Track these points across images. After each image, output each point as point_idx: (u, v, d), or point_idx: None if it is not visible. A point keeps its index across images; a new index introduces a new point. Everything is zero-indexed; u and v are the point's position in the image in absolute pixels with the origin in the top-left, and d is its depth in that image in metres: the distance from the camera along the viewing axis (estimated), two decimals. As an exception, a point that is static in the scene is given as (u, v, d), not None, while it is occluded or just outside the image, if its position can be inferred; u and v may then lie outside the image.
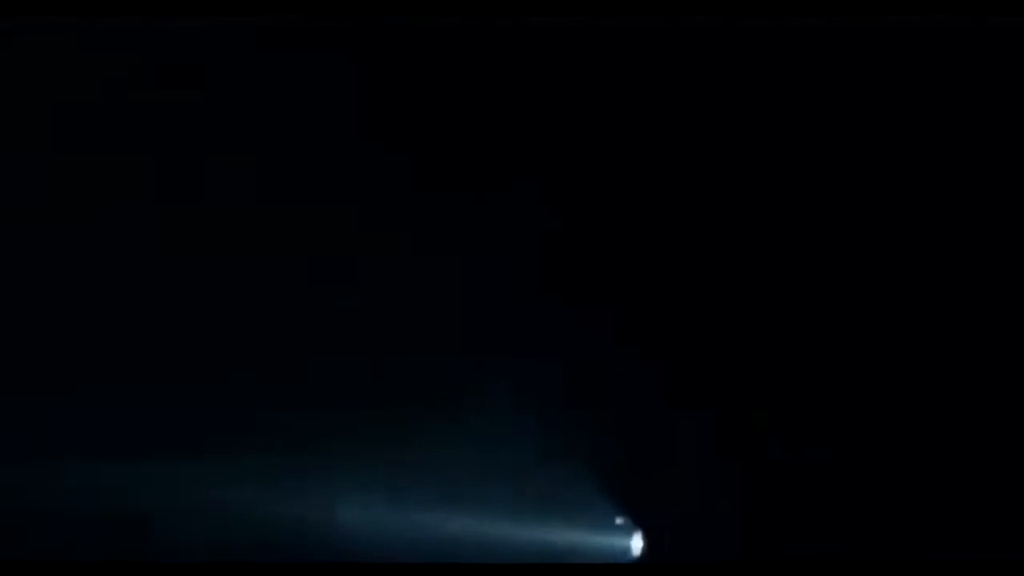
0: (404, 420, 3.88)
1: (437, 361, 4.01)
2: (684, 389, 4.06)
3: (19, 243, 3.75)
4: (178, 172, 3.92)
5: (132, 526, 3.60)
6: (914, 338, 3.92)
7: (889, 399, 3.92)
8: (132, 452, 3.73)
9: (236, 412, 3.80)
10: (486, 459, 3.93)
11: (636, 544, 3.82)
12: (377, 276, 4.00)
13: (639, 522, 3.96)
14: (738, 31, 3.96)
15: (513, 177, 4.09)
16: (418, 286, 4.02)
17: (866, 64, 3.98)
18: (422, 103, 4.06)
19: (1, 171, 3.74)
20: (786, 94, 4.05)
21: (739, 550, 3.85)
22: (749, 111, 4.06)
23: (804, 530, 3.85)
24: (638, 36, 4.04)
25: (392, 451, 3.83)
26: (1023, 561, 3.46)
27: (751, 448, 3.97)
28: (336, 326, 3.96)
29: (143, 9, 3.68)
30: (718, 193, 4.11)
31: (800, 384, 4.01)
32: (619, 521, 3.84)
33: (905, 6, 3.73)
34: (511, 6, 3.83)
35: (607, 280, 4.16)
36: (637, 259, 4.17)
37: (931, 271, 3.94)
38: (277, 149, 3.99)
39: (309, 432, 3.85)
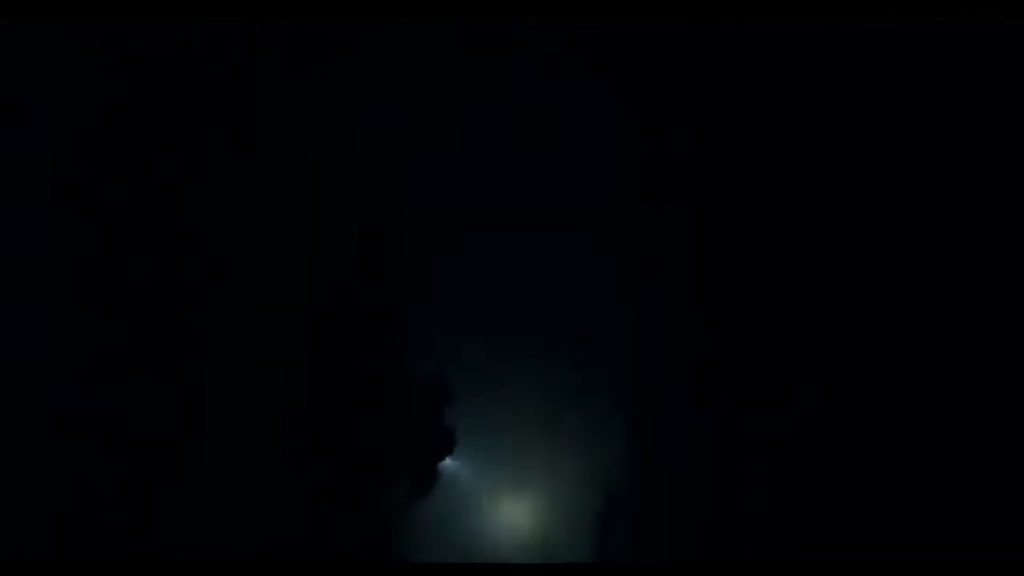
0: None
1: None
2: (683, 389, 4.08)
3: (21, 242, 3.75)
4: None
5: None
6: (912, 338, 3.94)
7: (888, 399, 3.94)
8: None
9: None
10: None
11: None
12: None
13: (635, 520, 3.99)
14: (738, 35, 4.00)
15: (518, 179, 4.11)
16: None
17: (866, 67, 4.01)
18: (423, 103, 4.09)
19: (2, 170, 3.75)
20: (785, 97, 4.08)
21: (736, 550, 3.86)
22: (750, 114, 4.09)
23: (802, 530, 3.87)
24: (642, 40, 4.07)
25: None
26: (1023, 561, 3.48)
27: (749, 447, 3.99)
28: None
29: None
30: (718, 194, 4.14)
31: (799, 383, 4.03)
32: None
33: (905, 8, 3.78)
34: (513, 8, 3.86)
35: (607, 278, 4.18)
36: (636, 259, 4.19)
37: (930, 272, 3.97)
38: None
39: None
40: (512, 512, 3.94)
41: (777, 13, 3.81)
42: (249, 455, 3.79)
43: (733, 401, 4.01)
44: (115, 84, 3.90)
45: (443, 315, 4.02)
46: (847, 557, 3.72)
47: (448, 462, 3.77)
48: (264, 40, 3.93)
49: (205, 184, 3.96)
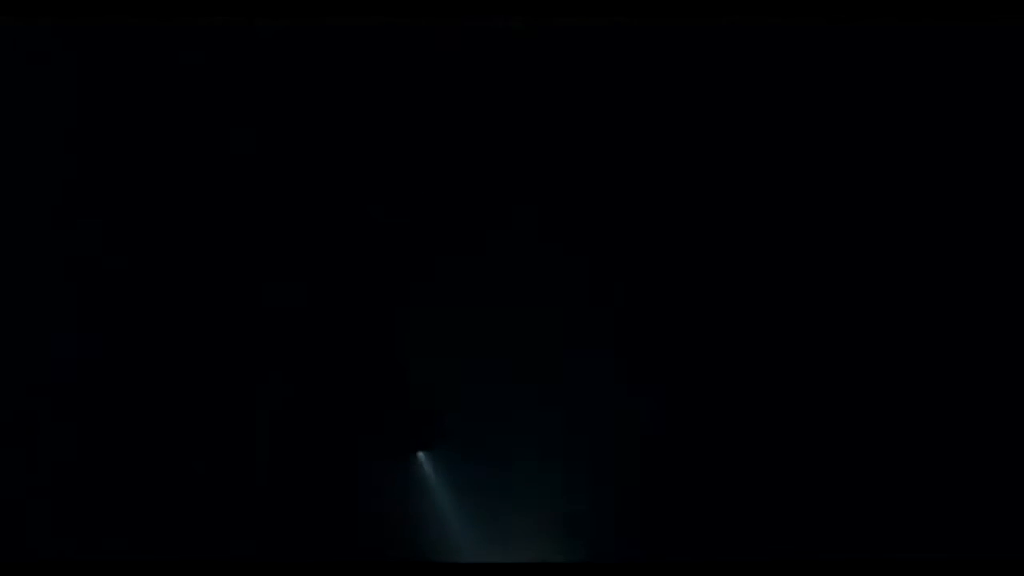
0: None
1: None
2: (682, 389, 4.08)
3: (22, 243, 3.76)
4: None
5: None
6: (910, 338, 3.94)
7: (887, 399, 3.94)
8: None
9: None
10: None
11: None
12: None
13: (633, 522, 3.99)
14: (741, 35, 4.00)
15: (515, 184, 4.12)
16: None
17: (866, 67, 4.02)
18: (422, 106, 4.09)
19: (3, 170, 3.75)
20: (782, 98, 4.09)
21: (735, 550, 3.86)
22: (752, 115, 4.09)
23: (801, 530, 3.87)
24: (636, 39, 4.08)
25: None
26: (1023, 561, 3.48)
27: (749, 448, 3.98)
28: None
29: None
30: (718, 195, 4.14)
31: (797, 384, 4.02)
32: None
33: (905, 8, 3.79)
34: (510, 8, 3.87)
35: (602, 280, 4.18)
36: (635, 258, 4.19)
37: (929, 272, 3.97)
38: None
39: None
40: (501, 514, 3.94)
41: (777, 13, 3.82)
42: (250, 455, 3.80)
43: (730, 402, 4.02)
44: (114, 84, 3.90)
45: (443, 315, 4.02)
46: (844, 556, 3.72)
47: (422, 456, 3.78)
48: (264, 40, 3.93)
49: (205, 183, 3.97)
